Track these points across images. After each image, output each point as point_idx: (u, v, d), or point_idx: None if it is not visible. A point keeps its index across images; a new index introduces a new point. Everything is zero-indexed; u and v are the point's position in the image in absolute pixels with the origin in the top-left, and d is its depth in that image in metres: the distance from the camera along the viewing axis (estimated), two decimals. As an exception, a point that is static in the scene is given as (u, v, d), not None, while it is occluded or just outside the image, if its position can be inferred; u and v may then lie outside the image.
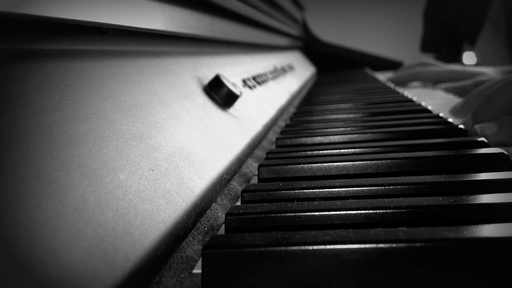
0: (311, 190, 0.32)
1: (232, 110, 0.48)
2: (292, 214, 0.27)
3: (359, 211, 0.27)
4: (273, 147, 0.53)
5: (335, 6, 2.78)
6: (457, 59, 1.75)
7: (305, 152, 0.44)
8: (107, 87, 0.30)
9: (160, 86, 0.37)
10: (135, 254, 0.20)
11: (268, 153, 0.45)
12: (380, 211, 0.27)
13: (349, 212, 0.27)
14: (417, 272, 0.21)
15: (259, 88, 0.68)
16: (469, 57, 1.75)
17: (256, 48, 0.95)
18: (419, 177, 0.32)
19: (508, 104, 0.51)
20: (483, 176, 0.32)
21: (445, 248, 0.21)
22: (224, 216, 0.29)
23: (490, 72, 0.84)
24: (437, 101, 0.84)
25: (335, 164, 0.38)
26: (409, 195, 0.31)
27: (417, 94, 0.91)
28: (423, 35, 1.93)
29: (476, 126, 0.51)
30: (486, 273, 0.21)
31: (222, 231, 0.30)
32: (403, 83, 1.22)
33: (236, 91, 0.47)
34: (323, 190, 0.32)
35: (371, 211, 0.27)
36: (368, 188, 0.32)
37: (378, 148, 0.43)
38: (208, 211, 0.31)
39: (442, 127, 0.50)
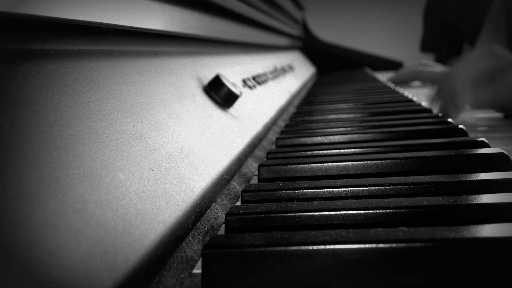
0: (311, 190, 0.32)
1: (232, 110, 0.48)
2: (292, 214, 0.27)
3: (359, 211, 0.27)
4: (273, 147, 0.53)
5: (335, 6, 2.78)
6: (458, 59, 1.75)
7: (305, 152, 0.44)
8: (107, 87, 0.30)
9: (160, 86, 0.37)
10: (135, 254, 0.20)
11: (268, 153, 0.45)
12: (380, 211, 0.27)
13: (349, 212, 0.27)
14: (417, 272, 0.21)
15: (259, 88, 0.68)
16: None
17: (256, 48, 0.95)
18: (419, 177, 0.32)
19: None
20: (483, 176, 0.32)
21: (445, 248, 0.21)
22: (224, 216, 0.29)
23: None
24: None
25: (335, 164, 0.38)
26: (409, 195, 0.31)
27: (417, 94, 0.91)
28: (423, 35, 1.93)
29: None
30: (486, 273, 0.21)
31: (222, 231, 0.30)
32: (403, 82, 1.23)
33: (236, 91, 0.47)
34: (323, 190, 0.32)
35: (371, 211, 0.27)
36: (368, 188, 0.32)
37: (378, 148, 0.43)
38: (208, 211, 0.31)
39: (442, 127, 0.50)
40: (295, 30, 1.69)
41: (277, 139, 0.52)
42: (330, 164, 0.38)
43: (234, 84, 0.49)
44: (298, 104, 0.88)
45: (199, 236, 0.28)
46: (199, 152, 0.34)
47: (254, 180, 0.41)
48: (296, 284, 0.21)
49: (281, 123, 0.69)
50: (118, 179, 0.23)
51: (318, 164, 0.38)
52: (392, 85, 1.08)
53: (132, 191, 0.24)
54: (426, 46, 1.95)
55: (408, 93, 0.89)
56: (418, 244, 0.21)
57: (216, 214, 0.31)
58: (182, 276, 0.23)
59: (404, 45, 2.49)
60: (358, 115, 0.67)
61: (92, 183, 0.21)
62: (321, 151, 0.44)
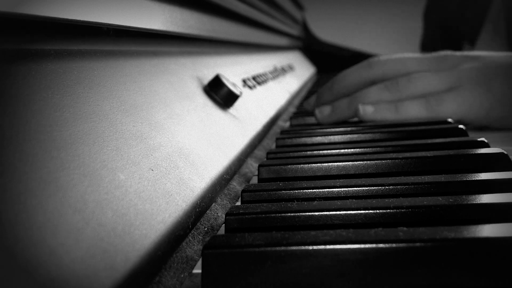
0: (311, 190, 0.32)
1: (232, 110, 0.48)
2: (292, 214, 0.27)
3: (359, 211, 0.27)
4: (273, 147, 0.53)
5: (335, 6, 2.78)
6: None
7: (305, 152, 0.44)
8: (107, 87, 0.30)
9: (160, 86, 0.37)
10: (135, 254, 0.20)
11: (268, 153, 0.45)
12: (380, 211, 0.27)
13: (349, 212, 0.27)
14: (417, 272, 0.21)
15: (259, 88, 0.68)
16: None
17: (256, 48, 0.95)
18: (419, 177, 0.32)
19: (343, 89, 0.61)
20: (483, 176, 0.32)
21: (445, 248, 0.21)
22: (224, 216, 0.29)
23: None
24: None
25: (335, 164, 0.38)
26: (409, 195, 0.31)
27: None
28: (423, 35, 1.93)
29: (316, 110, 0.60)
30: (486, 273, 0.21)
31: (222, 231, 0.30)
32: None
33: (236, 91, 0.47)
34: (323, 190, 0.32)
35: (371, 211, 0.27)
36: (368, 188, 0.32)
37: (378, 148, 0.43)
38: (208, 211, 0.31)
39: (442, 127, 0.50)
40: (295, 30, 1.69)
41: (277, 139, 0.52)
42: (330, 164, 0.38)
43: (234, 84, 0.49)
44: (298, 104, 0.88)
45: (199, 236, 0.28)
46: (199, 152, 0.34)
47: (254, 180, 0.41)
48: (296, 284, 0.21)
49: (281, 123, 0.69)
50: (118, 179, 0.23)
51: (318, 164, 0.38)
52: None
53: (132, 191, 0.24)
54: (426, 46, 1.95)
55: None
56: (418, 244, 0.21)
57: (216, 214, 0.31)
58: (182, 276, 0.23)
59: (404, 45, 2.48)
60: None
61: (92, 183, 0.21)
62: (321, 151, 0.44)
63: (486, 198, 0.27)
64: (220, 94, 0.46)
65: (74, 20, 0.28)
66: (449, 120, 0.52)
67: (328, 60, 1.94)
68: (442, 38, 1.80)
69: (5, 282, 0.15)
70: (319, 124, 0.63)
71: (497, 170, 0.34)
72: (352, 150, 0.43)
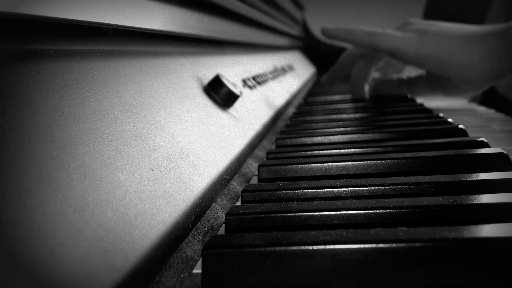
0: (311, 190, 0.32)
1: (232, 110, 0.48)
2: (292, 214, 0.27)
3: (359, 211, 0.27)
4: (273, 147, 0.53)
5: (335, 6, 2.78)
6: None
7: (305, 152, 0.44)
8: (107, 87, 0.30)
9: (160, 86, 0.37)
10: (135, 254, 0.20)
11: (268, 153, 0.45)
12: (380, 211, 0.27)
13: (349, 212, 0.27)
14: (417, 272, 0.21)
15: (259, 88, 0.68)
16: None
17: (256, 48, 0.95)
18: (419, 177, 0.32)
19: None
20: (483, 176, 0.32)
21: (445, 248, 0.21)
22: (224, 216, 0.29)
23: None
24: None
25: (335, 164, 0.38)
26: (409, 195, 0.31)
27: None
28: (423, 35, 1.93)
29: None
30: (486, 273, 0.21)
31: (222, 231, 0.30)
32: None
33: (236, 91, 0.47)
34: (323, 190, 0.32)
35: (371, 211, 0.27)
36: (368, 188, 0.32)
37: (378, 148, 0.43)
38: (208, 211, 0.31)
39: (442, 127, 0.50)
40: (295, 30, 1.69)
41: (277, 139, 0.52)
42: (330, 164, 0.38)
43: (234, 84, 0.49)
44: (298, 104, 0.88)
45: (199, 236, 0.28)
46: (199, 152, 0.34)
47: (254, 180, 0.41)
48: (296, 284, 0.21)
49: (281, 123, 0.69)
50: (118, 179, 0.23)
51: (318, 164, 0.38)
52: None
53: (132, 191, 0.24)
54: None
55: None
56: (418, 244, 0.21)
57: (216, 214, 0.31)
58: (182, 276, 0.23)
59: (404, 45, 2.48)
60: (358, 115, 0.67)
61: (92, 183, 0.21)
62: (321, 151, 0.44)
63: (486, 198, 0.27)
64: (220, 94, 0.46)
65: (74, 20, 0.28)
66: (449, 120, 0.52)
67: (328, 60, 1.94)
68: (442, 38, 1.79)
69: (5, 282, 0.15)
70: (319, 123, 0.63)
71: (497, 170, 0.34)
72: (352, 150, 0.43)
